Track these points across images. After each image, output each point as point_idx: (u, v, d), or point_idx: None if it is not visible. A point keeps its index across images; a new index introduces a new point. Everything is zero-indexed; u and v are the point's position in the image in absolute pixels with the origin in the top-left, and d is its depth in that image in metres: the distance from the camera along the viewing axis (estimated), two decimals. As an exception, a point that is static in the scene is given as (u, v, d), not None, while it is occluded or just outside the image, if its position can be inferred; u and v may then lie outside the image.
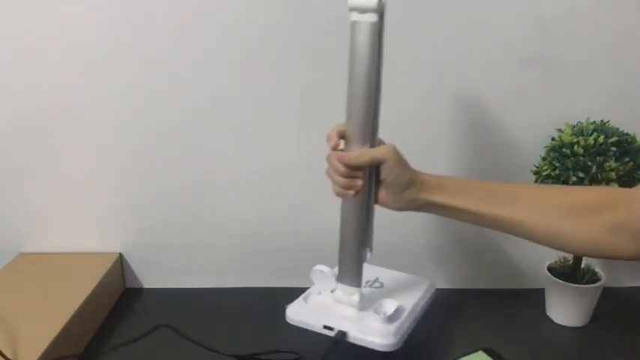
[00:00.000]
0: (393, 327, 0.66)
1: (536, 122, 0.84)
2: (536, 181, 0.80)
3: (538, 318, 0.85)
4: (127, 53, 0.80)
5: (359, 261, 0.68)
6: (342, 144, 0.65)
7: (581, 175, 0.73)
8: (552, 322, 0.84)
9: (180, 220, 0.90)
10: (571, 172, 0.74)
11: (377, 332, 0.66)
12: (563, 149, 0.75)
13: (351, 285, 0.69)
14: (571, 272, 0.83)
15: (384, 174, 0.64)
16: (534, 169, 0.80)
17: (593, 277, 0.82)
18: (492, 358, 0.70)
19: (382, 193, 0.65)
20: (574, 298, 0.81)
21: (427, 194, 0.64)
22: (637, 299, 0.92)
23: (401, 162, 0.63)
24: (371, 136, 0.63)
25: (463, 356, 0.71)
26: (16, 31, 0.79)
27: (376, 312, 0.67)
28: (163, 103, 0.83)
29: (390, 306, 0.69)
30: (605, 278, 0.82)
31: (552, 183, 0.77)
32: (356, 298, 0.69)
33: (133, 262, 0.92)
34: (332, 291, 0.71)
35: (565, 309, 0.83)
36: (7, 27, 0.79)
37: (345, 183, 0.64)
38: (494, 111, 0.84)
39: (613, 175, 0.72)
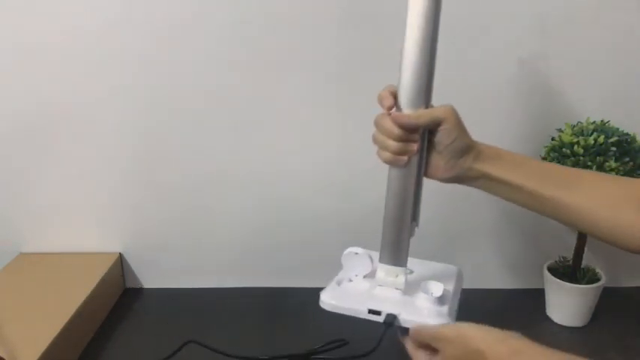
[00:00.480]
0: (445, 308, 0.62)
1: (536, 122, 0.84)
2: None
3: (538, 318, 0.85)
4: (127, 53, 0.80)
5: (407, 237, 0.63)
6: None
7: (581, 175, 0.73)
8: (552, 322, 0.84)
9: (180, 220, 0.90)
10: (571, 172, 0.74)
11: (431, 313, 0.61)
12: (563, 149, 0.75)
13: (395, 265, 0.64)
14: (571, 272, 0.83)
15: (441, 137, 0.58)
16: (534, 169, 0.80)
17: (593, 277, 0.82)
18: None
19: (434, 160, 0.60)
20: (574, 298, 0.81)
21: (483, 164, 0.58)
22: (637, 299, 0.92)
23: (460, 124, 0.58)
24: (425, 96, 0.58)
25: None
26: (16, 31, 0.79)
27: (425, 293, 0.62)
28: (163, 103, 0.83)
29: (436, 287, 0.63)
30: (605, 278, 0.82)
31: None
32: (401, 278, 0.64)
33: (133, 262, 0.92)
34: (365, 276, 0.67)
35: (565, 309, 0.83)
36: (7, 27, 0.79)
37: (398, 148, 0.58)
38: (494, 111, 0.84)
39: (613, 175, 0.72)
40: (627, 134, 0.76)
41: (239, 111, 0.84)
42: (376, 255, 0.65)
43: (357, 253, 0.66)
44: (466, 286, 0.93)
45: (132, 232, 0.91)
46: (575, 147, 0.74)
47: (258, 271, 0.92)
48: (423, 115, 0.57)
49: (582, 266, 0.83)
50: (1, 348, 0.65)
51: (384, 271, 0.65)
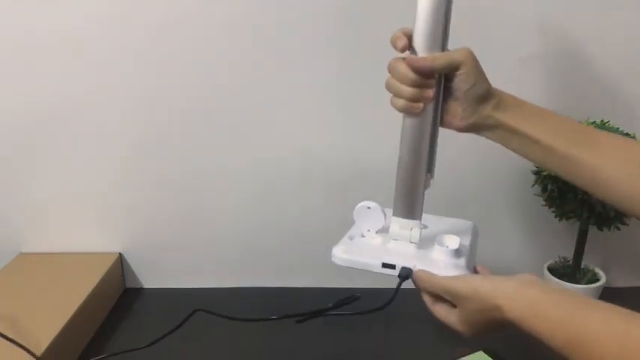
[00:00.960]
0: (462, 260, 0.59)
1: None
2: (536, 182, 0.80)
3: (538, 318, 0.85)
4: (126, 53, 0.80)
5: (421, 189, 0.60)
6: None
7: (581, 175, 0.73)
8: (552, 322, 0.84)
9: (180, 221, 0.90)
10: (571, 172, 0.74)
11: (447, 266, 0.58)
12: (563, 149, 0.75)
13: (410, 218, 0.61)
14: (571, 272, 0.83)
15: (459, 82, 0.55)
16: (534, 169, 0.80)
17: (593, 277, 0.82)
18: (492, 358, 0.70)
19: (451, 108, 0.57)
20: (574, 298, 0.81)
21: (503, 114, 0.56)
22: (637, 299, 0.91)
23: (479, 68, 0.55)
24: (442, 39, 0.55)
25: (463, 356, 0.71)
26: (16, 31, 0.79)
27: (440, 245, 0.60)
28: (164, 103, 0.83)
29: (452, 241, 0.60)
30: (605, 278, 0.82)
31: (552, 183, 0.77)
32: (416, 232, 0.61)
33: (133, 262, 0.92)
34: (377, 231, 0.64)
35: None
36: (7, 27, 0.79)
37: (413, 94, 0.54)
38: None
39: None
40: (627, 134, 0.76)
41: (239, 111, 0.84)
42: (389, 210, 0.63)
43: (369, 208, 0.63)
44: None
45: (132, 232, 0.91)
46: (575, 147, 0.74)
47: (258, 271, 0.92)
48: (439, 58, 0.54)
49: (582, 266, 0.83)
50: (3, 347, 0.65)
51: (398, 224, 0.62)
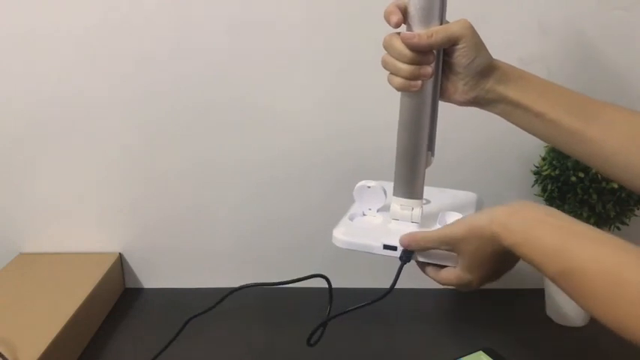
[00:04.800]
0: None
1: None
2: (536, 182, 0.80)
3: (538, 318, 0.85)
4: (127, 52, 0.80)
5: (422, 168, 0.58)
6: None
7: (581, 175, 0.73)
8: (552, 322, 0.84)
9: (180, 221, 0.90)
10: (571, 172, 0.74)
11: None
12: (563, 149, 0.75)
13: (411, 197, 0.59)
14: (571, 272, 0.83)
15: (459, 56, 0.53)
16: (534, 169, 0.80)
17: (593, 277, 0.82)
18: (492, 358, 0.70)
19: (451, 82, 0.55)
20: (574, 298, 0.81)
21: (505, 87, 0.54)
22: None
23: (479, 41, 0.53)
24: (440, 12, 0.52)
25: (463, 356, 0.71)
26: (16, 31, 0.79)
27: (441, 225, 0.58)
28: (164, 103, 0.83)
29: (454, 219, 0.57)
30: (605, 278, 0.82)
31: (552, 183, 0.77)
32: (417, 212, 0.59)
33: (133, 262, 0.92)
34: (378, 210, 0.63)
35: (565, 309, 0.83)
36: (7, 27, 0.79)
37: (410, 72, 0.52)
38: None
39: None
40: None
41: (239, 112, 0.84)
42: (390, 186, 0.61)
43: (369, 187, 0.62)
44: (466, 286, 0.93)
45: (132, 232, 0.91)
46: (575, 147, 0.74)
47: (259, 272, 0.92)
48: (436, 34, 0.51)
49: (582, 266, 0.83)
50: (3, 348, 0.65)
51: (399, 204, 0.60)
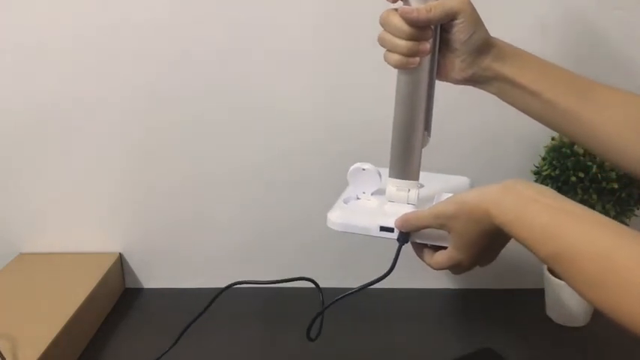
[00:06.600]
0: None
1: (536, 122, 0.83)
2: (536, 182, 0.80)
3: (538, 318, 0.85)
4: (127, 53, 0.80)
5: (418, 148, 0.58)
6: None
7: (581, 175, 0.73)
8: (552, 322, 0.84)
9: (181, 221, 0.90)
10: (571, 172, 0.74)
11: None
12: (563, 149, 0.75)
13: (407, 178, 0.59)
14: (571, 272, 0.83)
15: (457, 32, 0.52)
16: (534, 169, 0.80)
17: (593, 277, 0.82)
18: (492, 358, 0.70)
19: (448, 59, 0.55)
20: (574, 298, 0.81)
21: (502, 65, 0.54)
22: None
23: (477, 17, 0.52)
24: None
25: (463, 356, 0.71)
26: (16, 31, 0.79)
27: None
28: (164, 103, 0.83)
29: None
30: (605, 278, 0.82)
31: (552, 183, 0.77)
32: (414, 193, 0.59)
33: (133, 262, 0.92)
34: (373, 193, 0.62)
35: (565, 309, 0.83)
36: (7, 27, 0.79)
37: (408, 48, 0.51)
38: (494, 111, 0.84)
39: (613, 174, 0.72)
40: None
41: (239, 113, 0.84)
42: (385, 171, 0.60)
43: (364, 169, 0.61)
44: (466, 286, 0.93)
45: (132, 232, 0.90)
46: (575, 147, 0.74)
47: (259, 272, 0.92)
48: (435, 8, 0.50)
49: (582, 266, 0.83)
50: (3, 348, 0.65)
51: (395, 185, 0.59)
